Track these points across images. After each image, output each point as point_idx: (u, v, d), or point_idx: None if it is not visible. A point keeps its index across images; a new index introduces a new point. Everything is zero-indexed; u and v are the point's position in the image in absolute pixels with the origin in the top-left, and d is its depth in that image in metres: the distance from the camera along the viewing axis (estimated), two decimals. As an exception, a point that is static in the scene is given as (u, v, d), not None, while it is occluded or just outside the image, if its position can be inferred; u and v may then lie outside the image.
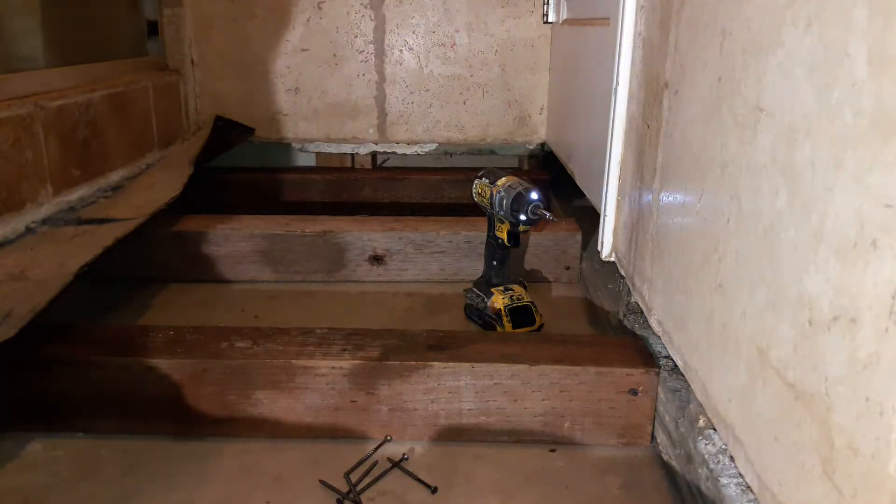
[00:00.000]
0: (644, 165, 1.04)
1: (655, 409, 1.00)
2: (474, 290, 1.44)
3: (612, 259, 1.18)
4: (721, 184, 0.74)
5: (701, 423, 0.83)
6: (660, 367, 0.99)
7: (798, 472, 0.55)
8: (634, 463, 0.99)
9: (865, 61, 0.49)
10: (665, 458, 0.97)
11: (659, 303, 0.95)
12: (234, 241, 1.62)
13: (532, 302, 1.38)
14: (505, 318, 1.34)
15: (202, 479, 0.94)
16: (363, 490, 0.91)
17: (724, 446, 0.77)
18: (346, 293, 1.60)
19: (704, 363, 0.79)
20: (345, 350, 1.02)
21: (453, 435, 1.02)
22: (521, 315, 1.36)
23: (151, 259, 1.61)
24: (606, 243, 1.17)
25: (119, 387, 1.01)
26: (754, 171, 0.66)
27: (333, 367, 1.00)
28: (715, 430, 0.80)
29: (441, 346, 1.04)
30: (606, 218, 1.16)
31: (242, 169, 2.32)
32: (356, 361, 1.00)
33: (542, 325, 1.37)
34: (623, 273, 1.15)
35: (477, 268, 1.63)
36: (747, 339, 0.66)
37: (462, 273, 1.66)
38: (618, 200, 1.16)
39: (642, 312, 1.09)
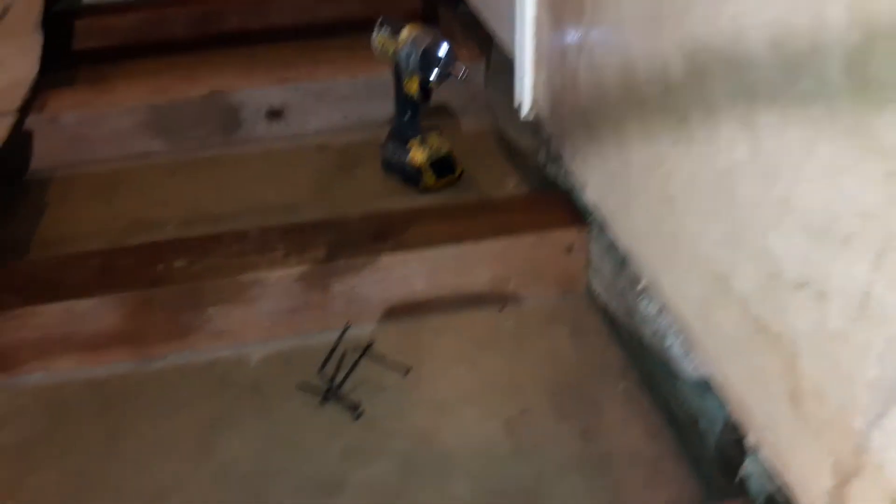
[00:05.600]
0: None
1: (589, 260, 1.09)
2: (390, 145, 1.42)
3: (532, 118, 1.19)
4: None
5: (641, 286, 0.92)
6: (590, 224, 1.06)
7: (763, 391, 0.63)
8: (575, 310, 1.09)
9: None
10: (601, 302, 1.07)
11: (595, 183, 0.99)
12: (115, 117, 1.49)
13: (450, 149, 1.39)
14: (427, 173, 1.36)
15: (180, 402, 0.97)
16: (341, 384, 0.97)
17: (672, 326, 0.86)
18: (249, 155, 1.54)
19: (653, 258, 0.85)
20: (288, 255, 1.02)
21: (408, 311, 1.07)
22: (443, 166, 1.38)
23: (28, 151, 1.46)
24: (525, 102, 1.16)
25: (66, 328, 0.98)
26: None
27: (283, 276, 1.00)
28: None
29: (384, 235, 1.05)
30: (525, 74, 1.14)
31: (91, 9, 2.03)
32: (304, 267, 1.01)
33: (462, 171, 1.40)
34: (547, 130, 1.16)
35: (382, 109, 1.59)
36: (703, 260, 0.71)
37: (367, 117, 1.61)
38: (536, 49, 1.13)
39: (554, 144, 1.13)
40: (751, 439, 0.68)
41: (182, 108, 1.51)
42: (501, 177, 1.43)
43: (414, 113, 1.39)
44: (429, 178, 1.36)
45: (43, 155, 1.47)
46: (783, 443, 0.63)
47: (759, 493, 0.70)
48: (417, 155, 1.36)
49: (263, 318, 1.03)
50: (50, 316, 0.96)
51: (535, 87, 1.15)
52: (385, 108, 1.59)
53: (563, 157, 1.11)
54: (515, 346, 1.03)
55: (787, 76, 0.54)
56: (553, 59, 1.08)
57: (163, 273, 1.00)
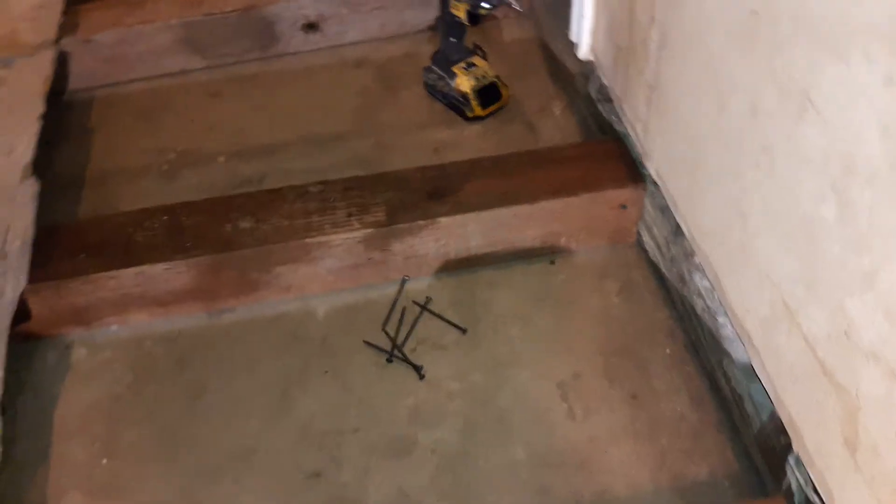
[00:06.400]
0: None
1: (642, 216, 1.10)
2: (434, 69, 1.38)
3: (590, 59, 1.15)
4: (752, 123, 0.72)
5: (697, 260, 0.95)
6: (646, 181, 1.07)
7: (817, 425, 0.67)
8: (625, 262, 1.12)
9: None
10: (652, 257, 1.10)
11: (658, 157, 0.98)
12: (151, 35, 1.45)
13: (497, 76, 1.36)
14: (473, 102, 1.34)
15: (254, 357, 1.03)
16: (404, 342, 1.03)
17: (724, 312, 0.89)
18: (287, 72, 1.51)
19: (718, 258, 0.85)
20: (350, 216, 1.05)
21: (463, 264, 1.11)
22: (489, 94, 1.35)
23: (66, 71, 1.44)
24: (583, 43, 1.12)
25: (140, 288, 1.03)
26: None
27: (346, 238, 1.03)
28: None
29: (441, 193, 1.07)
30: (585, 15, 1.09)
31: None
32: (367, 230, 1.03)
33: (508, 97, 1.38)
34: (605, 82, 1.13)
35: (420, 17, 1.54)
36: (772, 284, 0.72)
37: (406, 25, 1.56)
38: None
39: (612, 98, 1.11)
40: (796, 451, 0.74)
41: (218, 24, 1.46)
42: (547, 100, 1.41)
43: (460, 37, 1.34)
44: (475, 106, 1.34)
45: (80, 75, 1.45)
46: (831, 473, 0.68)
47: (799, 497, 0.76)
48: (463, 82, 1.33)
49: (327, 274, 1.07)
50: (125, 279, 1.01)
51: (595, 31, 1.10)
52: (423, 15, 1.54)
53: (621, 110, 1.09)
54: (567, 302, 1.08)
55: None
56: (617, 11, 1.03)
57: (230, 235, 1.03)
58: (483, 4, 1.21)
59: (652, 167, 1.00)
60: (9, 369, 0.91)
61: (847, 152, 0.59)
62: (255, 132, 1.37)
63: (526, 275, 1.11)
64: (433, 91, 1.40)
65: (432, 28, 1.56)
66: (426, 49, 1.48)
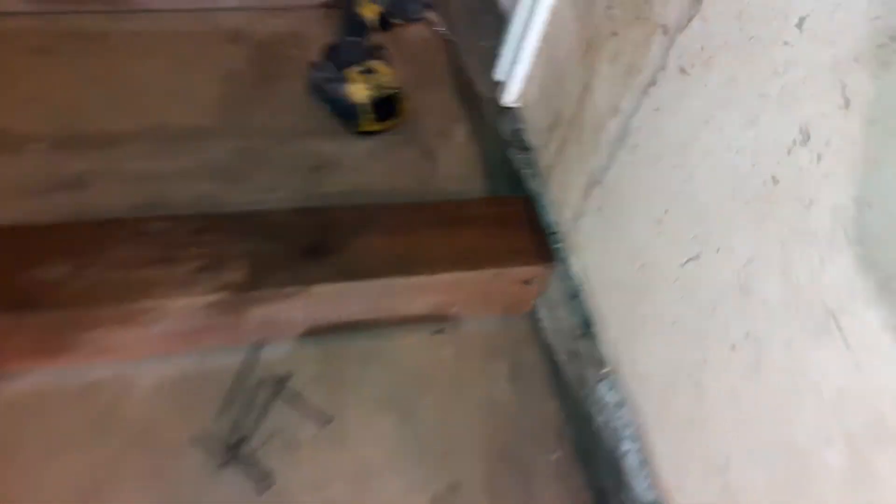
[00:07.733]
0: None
1: (544, 291, 0.97)
2: (324, 68, 1.16)
3: (516, 107, 0.97)
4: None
5: (606, 371, 0.82)
6: (554, 260, 0.93)
7: None
8: (516, 338, 0.99)
9: None
10: (546, 336, 0.97)
11: (589, 260, 0.84)
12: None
13: (398, 88, 1.16)
14: (367, 115, 1.14)
15: (50, 444, 0.81)
16: (250, 436, 0.84)
17: (631, 428, 0.78)
18: (141, 35, 1.23)
19: (650, 407, 0.74)
20: (200, 271, 0.83)
21: (335, 330, 0.93)
22: (387, 108, 1.16)
23: None
24: (512, 89, 0.94)
25: None
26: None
27: (191, 303, 0.82)
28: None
29: (320, 250, 0.87)
30: (520, 60, 0.90)
31: None
32: (219, 294, 0.82)
33: (406, 115, 1.19)
34: (529, 138, 0.96)
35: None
36: (724, 484, 0.61)
37: (296, -2, 1.31)
38: (545, 41, 0.89)
39: (532, 152, 0.95)
40: None
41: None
42: (450, 122, 1.23)
43: (360, 35, 1.12)
44: (368, 120, 1.14)
45: None
46: None
47: None
48: (358, 90, 1.12)
49: (157, 337, 0.85)
50: None
51: (529, 82, 0.92)
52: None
53: (545, 179, 0.93)
54: (451, 386, 0.94)
55: None
56: (565, 76, 0.86)
57: (36, 286, 0.78)
58: (407, 14, 1.00)
59: (577, 264, 0.86)
60: None
61: (877, 405, 0.46)
62: (89, 113, 1.10)
63: (407, 348, 0.95)
64: (318, 93, 1.18)
65: (328, 5, 1.32)
66: (317, 30, 1.26)
